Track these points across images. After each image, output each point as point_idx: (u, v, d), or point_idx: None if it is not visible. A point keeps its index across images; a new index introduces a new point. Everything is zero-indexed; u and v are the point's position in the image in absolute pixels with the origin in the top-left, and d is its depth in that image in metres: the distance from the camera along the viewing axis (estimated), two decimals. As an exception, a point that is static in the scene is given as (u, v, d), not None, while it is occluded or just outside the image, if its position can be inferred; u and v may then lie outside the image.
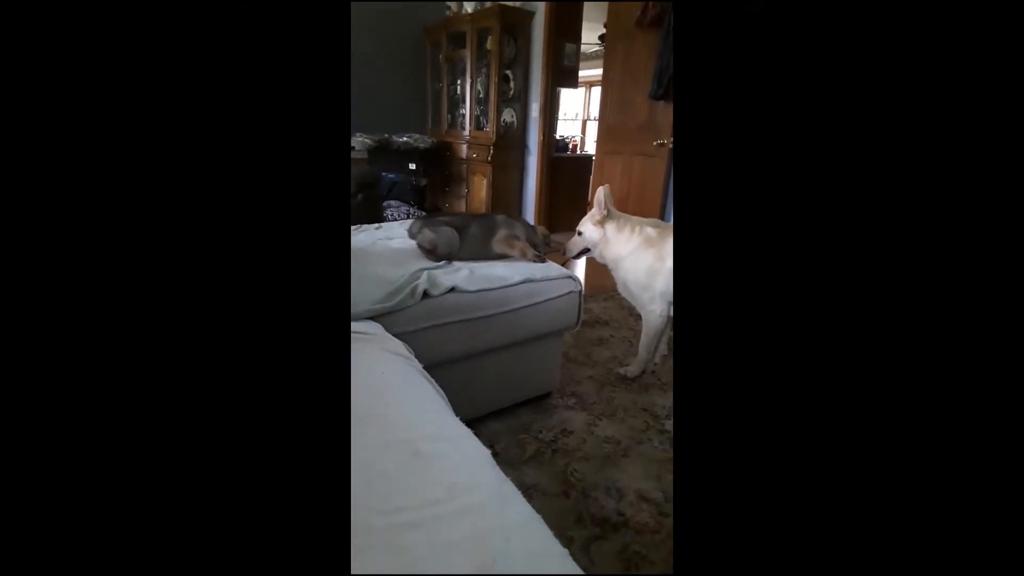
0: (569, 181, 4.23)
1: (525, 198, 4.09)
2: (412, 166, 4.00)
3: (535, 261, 1.55)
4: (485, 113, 3.86)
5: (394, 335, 1.12)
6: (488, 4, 3.65)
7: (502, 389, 1.54)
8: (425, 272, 1.36)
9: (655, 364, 1.89)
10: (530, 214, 4.00)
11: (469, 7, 3.75)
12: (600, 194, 1.74)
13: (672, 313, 1.71)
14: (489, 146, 3.76)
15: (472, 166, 3.98)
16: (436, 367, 1.12)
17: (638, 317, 1.82)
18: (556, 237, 1.75)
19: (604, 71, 3.10)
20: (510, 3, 3.55)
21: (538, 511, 0.60)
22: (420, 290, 1.26)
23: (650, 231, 1.69)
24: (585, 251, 1.81)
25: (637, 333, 1.87)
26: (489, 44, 3.66)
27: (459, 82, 4.10)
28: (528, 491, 1.24)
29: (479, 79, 3.86)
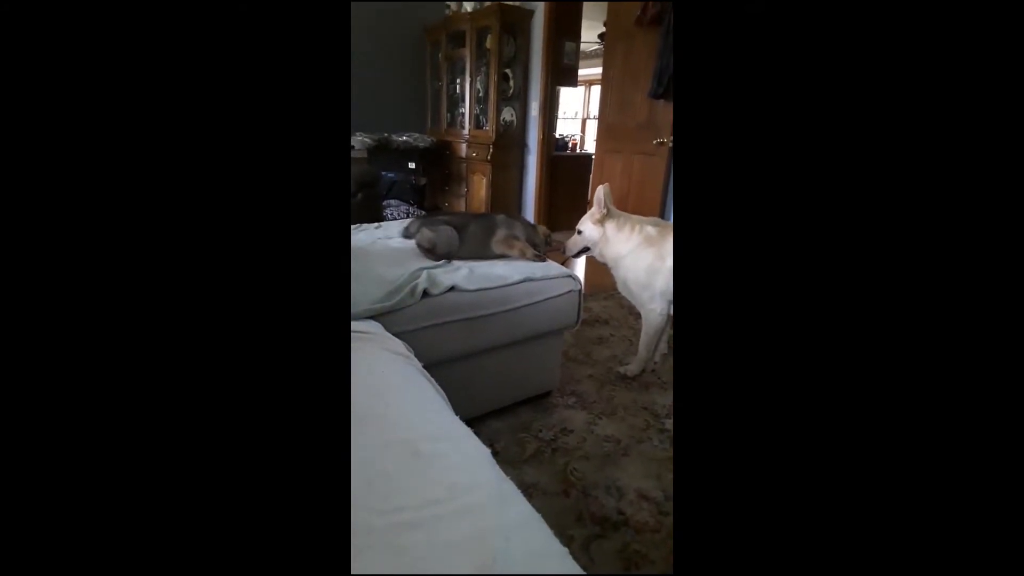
0: (569, 180, 4.23)
1: (525, 197, 4.08)
2: (412, 165, 4.00)
3: (535, 260, 1.55)
4: (485, 112, 3.86)
5: (394, 334, 1.12)
6: (487, 3, 3.64)
7: (502, 388, 1.54)
8: (425, 271, 1.36)
9: (655, 363, 1.89)
10: (530, 213, 4.00)
11: (468, 6, 3.74)
12: (600, 193, 1.74)
13: (672, 312, 1.71)
14: (489, 145, 3.76)
15: (472, 165, 3.98)
16: (436, 366, 1.12)
17: (638, 316, 1.82)
18: (556, 236, 1.75)
19: (604, 70, 3.10)
20: (510, 2, 3.54)
21: (538, 510, 0.60)
22: (420, 289, 1.26)
23: (650, 230, 1.69)
24: (585, 250, 1.81)
25: (637, 332, 1.87)
26: (488, 43, 3.66)
27: (459, 81, 4.10)
28: (528, 490, 1.24)
29: (479, 78, 3.85)
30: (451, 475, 0.62)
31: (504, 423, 1.53)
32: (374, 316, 1.18)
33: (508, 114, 3.83)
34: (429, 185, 4.22)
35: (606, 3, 3.08)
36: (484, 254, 1.56)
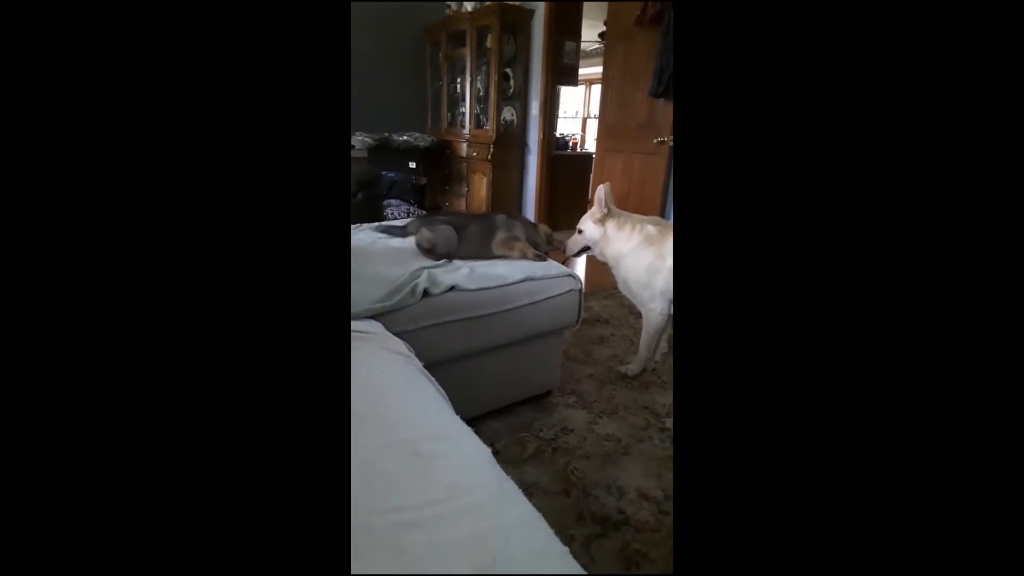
0: (569, 179, 4.23)
1: (525, 196, 4.08)
2: (412, 165, 4.00)
3: (536, 260, 1.55)
4: (485, 111, 3.86)
5: (394, 334, 1.12)
6: (488, 3, 3.64)
7: (502, 388, 1.54)
8: (425, 271, 1.36)
9: (655, 362, 1.89)
10: (530, 212, 4.00)
11: (469, 6, 3.74)
12: (600, 192, 1.73)
13: (672, 311, 1.71)
14: (489, 144, 3.76)
15: (472, 164, 3.98)
16: (436, 366, 1.12)
17: (638, 315, 1.82)
18: (556, 235, 1.75)
19: (604, 69, 3.10)
20: (510, 1, 3.54)
21: (538, 509, 0.60)
22: (420, 289, 1.26)
23: (650, 229, 1.69)
24: (585, 249, 1.81)
25: (637, 331, 1.87)
26: (489, 42, 3.66)
27: (459, 81, 4.10)
28: (528, 489, 1.24)
29: (479, 77, 3.85)
30: (451, 475, 0.62)
31: (504, 423, 1.53)
32: (374, 316, 1.18)
33: (508, 113, 3.83)
34: (429, 185, 4.22)
35: (606, 3, 3.08)
36: (484, 255, 1.56)
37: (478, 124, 3.95)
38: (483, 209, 3.83)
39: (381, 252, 1.59)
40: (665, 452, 1.42)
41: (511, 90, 3.79)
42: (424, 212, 3.79)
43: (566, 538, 0.80)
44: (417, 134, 4.04)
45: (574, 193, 4.24)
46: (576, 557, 0.55)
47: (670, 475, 1.31)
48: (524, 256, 1.55)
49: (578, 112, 7.91)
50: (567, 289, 1.51)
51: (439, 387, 0.95)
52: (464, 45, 3.85)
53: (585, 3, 3.80)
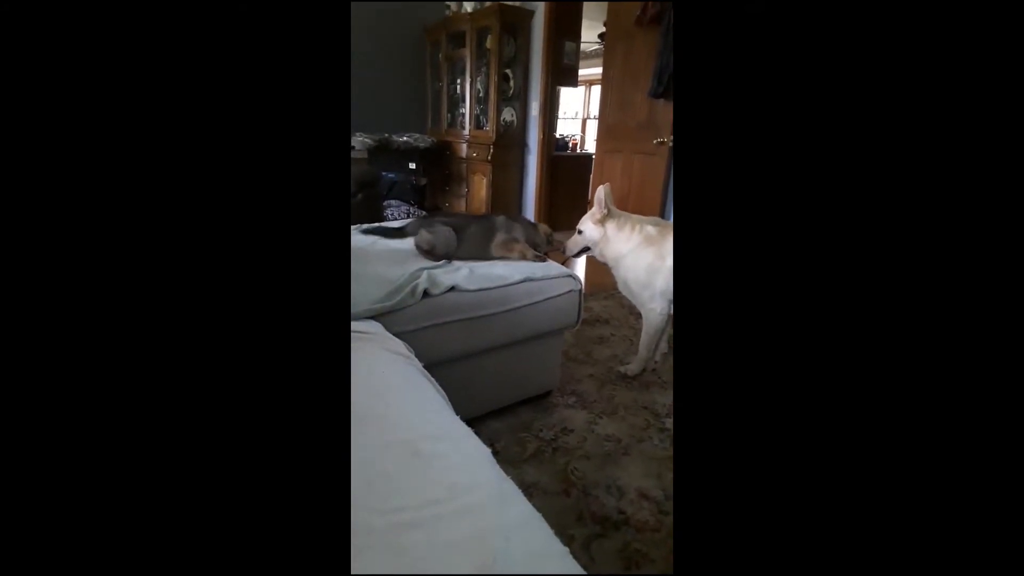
0: (569, 180, 4.23)
1: (525, 197, 4.08)
2: (412, 165, 3.99)
3: (536, 261, 1.55)
4: (485, 112, 3.86)
5: (394, 334, 1.12)
6: (488, 3, 3.64)
7: (502, 388, 1.54)
8: (425, 271, 1.36)
9: (656, 362, 1.89)
10: (530, 213, 4.00)
11: (469, 6, 3.74)
12: (600, 192, 1.74)
13: (672, 311, 1.71)
14: (489, 145, 3.76)
15: (472, 165, 3.98)
16: (436, 366, 1.12)
17: (638, 315, 1.82)
18: (556, 236, 1.75)
19: (604, 69, 3.10)
20: (510, 2, 3.54)
21: (538, 510, 0.60)
22: (420, 289, 1.26)
23: (650, 229, 1.69)
24: (585, 249, 1.81)
25: (637, 331, 1.87)
26: (489, 43, 3.66)
27: (459, 81, 4.10)
28: (528, 490, 1.24)
29: (479, 78, 3.85)
30: (451, 475, 0.62)
31: (504, 423, 1.53)
32: (374, 316, 1.18)
33: (508, 114, 3.83)
34: (429, 185, 4.22)
35: (606, 3, 3.08)
36: (483, 256, 1.56)
37: (478, 125, 3.95)
38: (483, 210, 3.83)
39: (381, 252, 1.59)
40: (665, 452, 1.42)
41: (511, 91, 3.79)
42: (424, 213, 3.79)
43: (566, 538, 0.80)
44: (417, 135, 4.04)
45: (574, 194, 4.24)
46: (576, 557, 0.55)
47: (670, 475, 1.31)
48: (524, 257, 1.55)
49: (578, 113, 7.92)
50: (567, 289, 1.51)
51: (439, 387, 0.95)
52: (464, 46, 3.85)
53: (585, 3, 3.80)
